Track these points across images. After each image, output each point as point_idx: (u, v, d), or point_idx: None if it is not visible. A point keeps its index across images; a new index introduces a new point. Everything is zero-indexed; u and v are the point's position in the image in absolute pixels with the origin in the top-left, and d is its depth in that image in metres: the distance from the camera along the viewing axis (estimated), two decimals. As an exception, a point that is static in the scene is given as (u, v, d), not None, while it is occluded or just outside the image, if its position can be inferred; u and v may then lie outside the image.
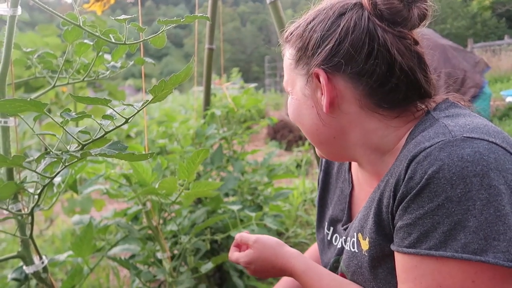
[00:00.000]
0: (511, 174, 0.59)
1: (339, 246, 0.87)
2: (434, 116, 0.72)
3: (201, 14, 0.82)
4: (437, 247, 0.60)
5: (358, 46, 0.71)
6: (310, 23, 0.77)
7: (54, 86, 0.94)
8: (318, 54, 0.75)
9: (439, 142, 0.62)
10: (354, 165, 0.92)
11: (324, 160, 1.01)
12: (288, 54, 0.81)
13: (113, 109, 0.67)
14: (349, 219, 0.89)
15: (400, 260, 0.66)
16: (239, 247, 0.96)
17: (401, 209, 0.65)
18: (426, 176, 0.61)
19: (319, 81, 0.76)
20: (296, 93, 0.81)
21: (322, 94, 0.76)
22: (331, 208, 0.95)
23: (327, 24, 0.74)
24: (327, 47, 0.73)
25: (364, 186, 0.86)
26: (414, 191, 0.62)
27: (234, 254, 0.94)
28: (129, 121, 0.67)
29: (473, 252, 0.57)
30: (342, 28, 0.72)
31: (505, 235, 0.57)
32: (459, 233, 0.58)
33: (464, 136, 0.62)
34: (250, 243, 0.91)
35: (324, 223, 0.96)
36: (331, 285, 0.79)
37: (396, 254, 0.68)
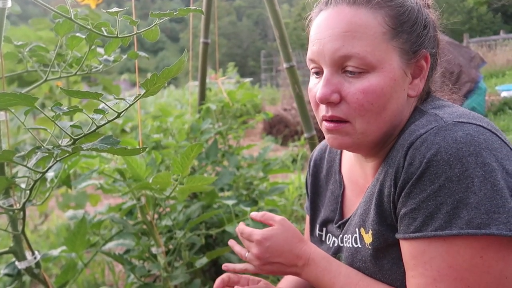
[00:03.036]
0: (499, 152, 0.63)
1: (335, 245, 0.87)
2: (422, 108, 0.75)
3: (195, 8, 0.81)
4: (443, 227, 0.62)
5: (439, 42, 0.79)
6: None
7: (46, 80, 0.93)
8: (426, 35, 0.75)
9: (433, 128, 0.66)
10: (344, 165, 0.93)
11: (312, 164, 1.01)
12: (380, 19, 0.71)
13: (105, 103, 0.66)
14: (341, 218, 0.89)
15: (408, 247, 0.67)
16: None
17: (404, 196, 0.67)
18: (425, 160, 0.64)
19: (422, 64, 0.75)
20: (392, 70, 0.71)
21: (416, 77, 0.75)
22: (323, 210, 0.95)
23: (421, 12, 0.76)
24: (430, 33, 0.76)
25: (360, 182, 0.86)
26: (415, 176, 0.65)
27: (248, 228, 0.85)
28: (121, 115, 0.66)
29: (477, 226, 0.60)
30: (433, 20, 0.78)
31: (504, 207, 0.60)
32: (462, 211, 0.61)
33: (455, 121, 0.66)
34: (277, 220, 0.85)
35: (316, 225, 0.96)
36: (348, 273, 0.78)
37: (402, 242, 0.69)
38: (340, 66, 0.72)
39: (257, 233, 0.82)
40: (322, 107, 0.76)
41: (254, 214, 0.89)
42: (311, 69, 0.79)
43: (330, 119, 0.75)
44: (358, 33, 0.70)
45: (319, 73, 0.77)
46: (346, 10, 0.72)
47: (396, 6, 0.72)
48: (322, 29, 0.74)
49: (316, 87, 0.77)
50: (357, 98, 0.71)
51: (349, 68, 0.71)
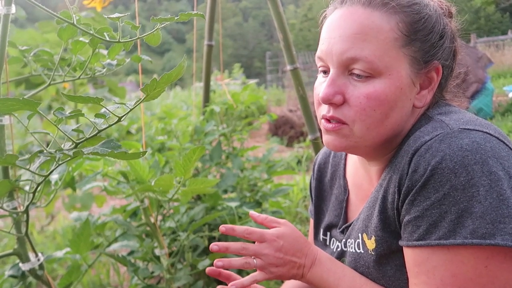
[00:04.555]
0: (507, 160, 0.62)
1: (338, 249, 0.87)
2: (428, 114, 0.74)
3: (196, 12, 0.82)
4: (446, 236, 0.61)
5: (456, 53, 0.77)
6: (426, 6, 0.72)
7: (49, 84, 0.94)
8: (441, 46, 0.73)
9: (438, 134, 0.65)
10: (349, 170, 0.93)
11: (316, 168, 1.01)
12: (394, 24, 0.69)
13: (106, 108, 0.67)
14: (345, 222, 0.89)
15: (411, 255, 0.67)
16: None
17: (408, 203, 0.66)
18: (430, 168, 0.63)
19: (432, 75, 0.73)
20: (399, 78, 0.69)
21: (425, 89, 0.74)
22: (327, 214, 0.95)
23: (439, 21, 0.73)
24: (445, 44, 0.74)
25: (364, 186, 0.86)
26: (419, 183, 0.64)
27: (257, 229, 0.80)
28: (121, 119, 0.67)
29: (482, 236, 0.59)
30: (450, 32, 0.75)
31: (510, 217, 0.59)
32: (466, 220, 0.60)
33: (461, 128, 0.65)
34: (282, 221, 0.83)
35: (320, 230, 0.96)
36: (353, 275, 0.78)
37: (405, 249, 0.68)
38: (347, 68, 0.71)
39: (270, 232, 0.79)
40: (324, 106, 0.75)
41: (255, 214, 0.85)
42: (319, 67, 0.78)
43: (330, 119, 0.74)
44: (369, 36, 0.68)
45: (326, 72, 0.76)
46: (360, 11, 0.70)
47: (412, 12, 0.70)
48: (333, 28, 0.73)
49: (321, 86, 0.75)
50: (360, 103, 0.69)
51: (356, 71, 0.70)
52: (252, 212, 0.85)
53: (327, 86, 0.71)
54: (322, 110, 0.75)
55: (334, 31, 0.72)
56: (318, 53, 0.76)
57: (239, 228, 0.81)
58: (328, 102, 0.72)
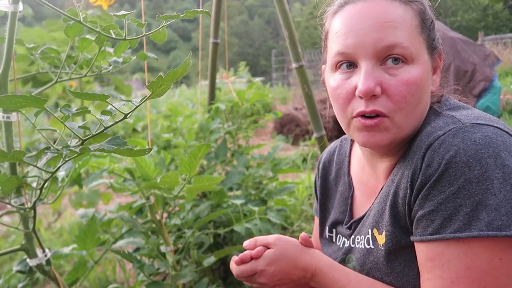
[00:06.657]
0: None
1: (345, 245, 0.87)
2: (437, 110, 0.75)
3: (202, 9, 0.82)
4: (462, 229, 0.62)
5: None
6: None
7: (56, 82, 0.95)
8: (436, 34, 0.78)
9: (451, 129, 0.66)
10: (353, 167, 0.93)
11: (321, 166, 1.01)
12: (412, 12, 0.73)
13: (112, 105, 0.67)
14: (351, 218, 0.89)
15: (424, 250, 0.67)
16: (244, 262, 0.84)
17: (421, 198, 0.66)
18: (444, 162, 0.63)
19: (438, 61, 0.78)
20: (425, 62, 0.73)
21: (434, 74, 0.77)
22: (332, 212, 0.95)
23: (431, 12, 0.78)
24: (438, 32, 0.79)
25: (371, 183, 0.86)
26: (434, 177, 0.64)
27: (247, 265, 0.82)
28: (128, 116, 0.67)
29: (497, 228, 0.59)
30: (432, 19, 0.78)
31: None
32: (481, 213, 0.60)
33: (473, 123, 0.66)
34: (271, 241, 0.83)
35: (325, 227, 0.97)
36: (358, 280, 0.78)
37: (418, 244, 0.68)
38: (381, 57, 0.70)
39: (259, 263, 0.81)
40: (358, 103, 0.71)
41: (246, 243, 0.86)
42: (338, 63, 0.74)
43: (371, 113, 0.71)
44: (398, 24, 0.70)
45: (351, 65, 0.73)
46: (382, 3, 0.72)
47: (421, 3, 0.75)
48: (358, 20, 0.71)
49: (346, 82, 0.73)
50: (400, 90, 0.69)
51: (394, 56, 0.69)
52: (244, 243, 0.87)
53: (366, 79, 0.69)
54: (358, 107, 0.72)
55: (361, 22, 0.71)
56: (341, 48, 0.73)
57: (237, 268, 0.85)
58: (370, 95, 0.70)
